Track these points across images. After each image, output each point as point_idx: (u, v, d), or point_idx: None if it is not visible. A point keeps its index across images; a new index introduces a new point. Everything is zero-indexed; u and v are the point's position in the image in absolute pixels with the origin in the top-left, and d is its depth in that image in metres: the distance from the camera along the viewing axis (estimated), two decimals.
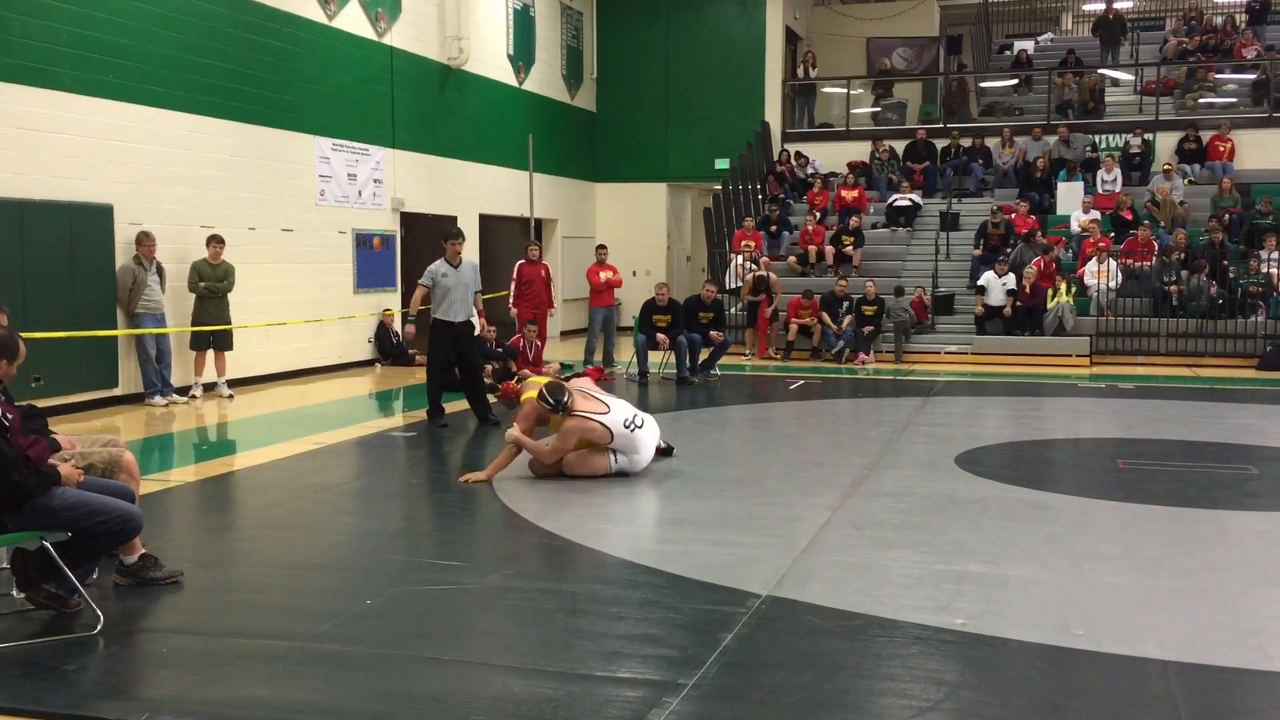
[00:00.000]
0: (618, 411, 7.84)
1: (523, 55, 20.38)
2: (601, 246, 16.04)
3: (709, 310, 14.63)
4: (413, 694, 4.14)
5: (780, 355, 17.18)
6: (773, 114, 22.51)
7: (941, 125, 22.09)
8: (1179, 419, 11.16)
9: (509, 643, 4.82)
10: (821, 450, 9.84)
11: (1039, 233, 18.28)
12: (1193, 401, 12.44)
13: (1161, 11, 28.79)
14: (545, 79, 21.27)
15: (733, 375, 15.07)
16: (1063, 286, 17.02)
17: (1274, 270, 16.66)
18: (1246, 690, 4.27)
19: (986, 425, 11.20)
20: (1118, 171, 19.63)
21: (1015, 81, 23.61)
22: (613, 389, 13.50)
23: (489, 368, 13.48)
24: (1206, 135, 20.06)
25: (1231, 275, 16.78)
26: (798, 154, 22.01)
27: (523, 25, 20.34)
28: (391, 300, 16.64)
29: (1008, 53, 25.52)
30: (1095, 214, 18.61)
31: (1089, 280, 17.26)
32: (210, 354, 12.61)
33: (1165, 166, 19.36)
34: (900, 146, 21.53)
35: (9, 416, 4.72)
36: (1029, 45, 25.25)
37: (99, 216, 11.58)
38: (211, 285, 12.46)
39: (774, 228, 19.94)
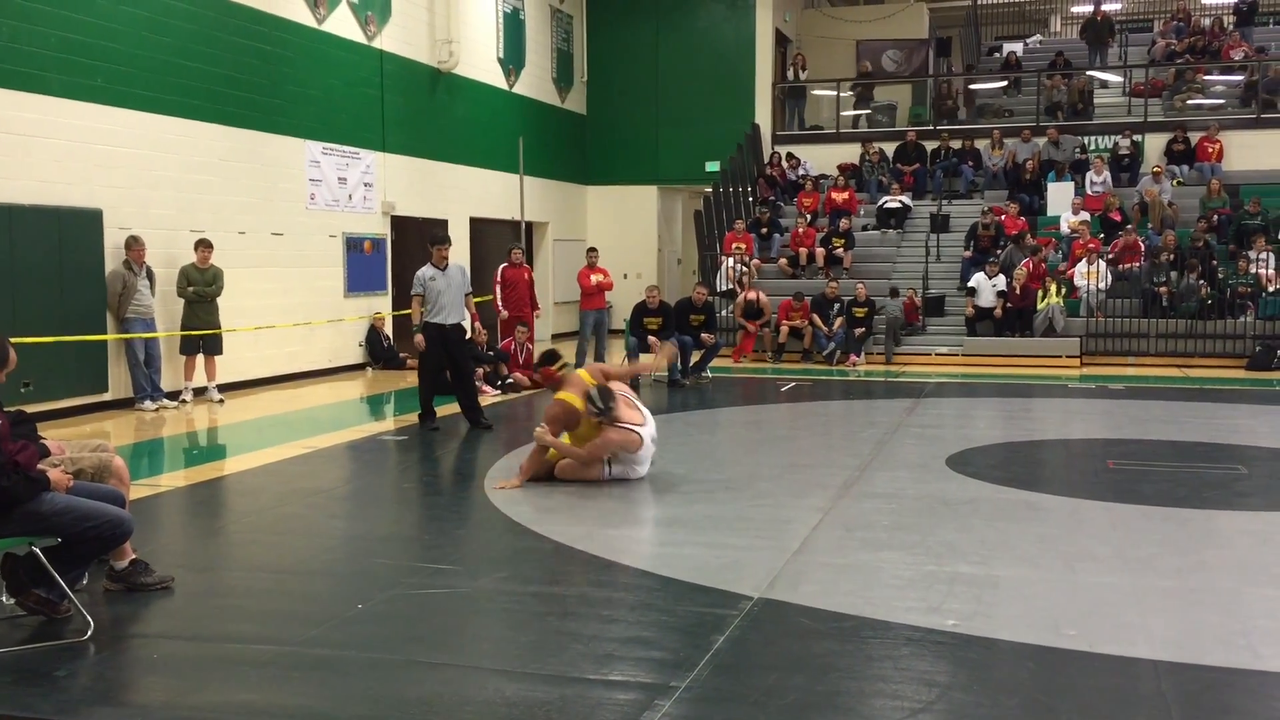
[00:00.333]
0: (650, 424, 7.84)
1: (513, 58, 20.38)
2: (592, 249, 16.05)
3: (700, 313, 14.64)
4: (404, 698, 4.13)
5: (771, 357, 17.19)
6: (763, 116, 22.53)
7: (931, 127, 22.14)
8: (1169, 419, 11.20)
9: (501, 646, 4.81)
10: (813, 452, 9.85)
11: (1028, 234, 18.33)
12: (1182, 402, 12.48)
13: (1149, 13, 28.91)
14: (535, 82, 21.27)
15: (724, 378, 15.08)
16: (1053, 288, 17.07)
17: (1263, 271, 16.73)
18: (1237, 690, 4.28)
19: (977, 426, 11.22)
20: (1107, 173, 19.69)
21: (1005, 83, 23.68)
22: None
23: (480, 371, 13.49)
24: (1195, 136, 20.14)
25: (1220, 276, 16.84)
26: (789, 155, 22.04)
27: (513, 28, 20.34)
28: (382, 304, 16.62)
29: (997, 55, 25.60)
30: (1085, 215, 18.66)
31: (1079, 281, 17.31)
32: (200, 358, 12.58)
33: (1154, 169, 19.43)
34: (890, 148, 21.58)
35: None
36: (1018, 47, 25.33)
37: (88, 221, 11.55)
38: (200, 290, 12.43)
39: (765, 230, 19.96)
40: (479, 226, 19.34)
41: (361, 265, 16.22)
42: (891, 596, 5.30)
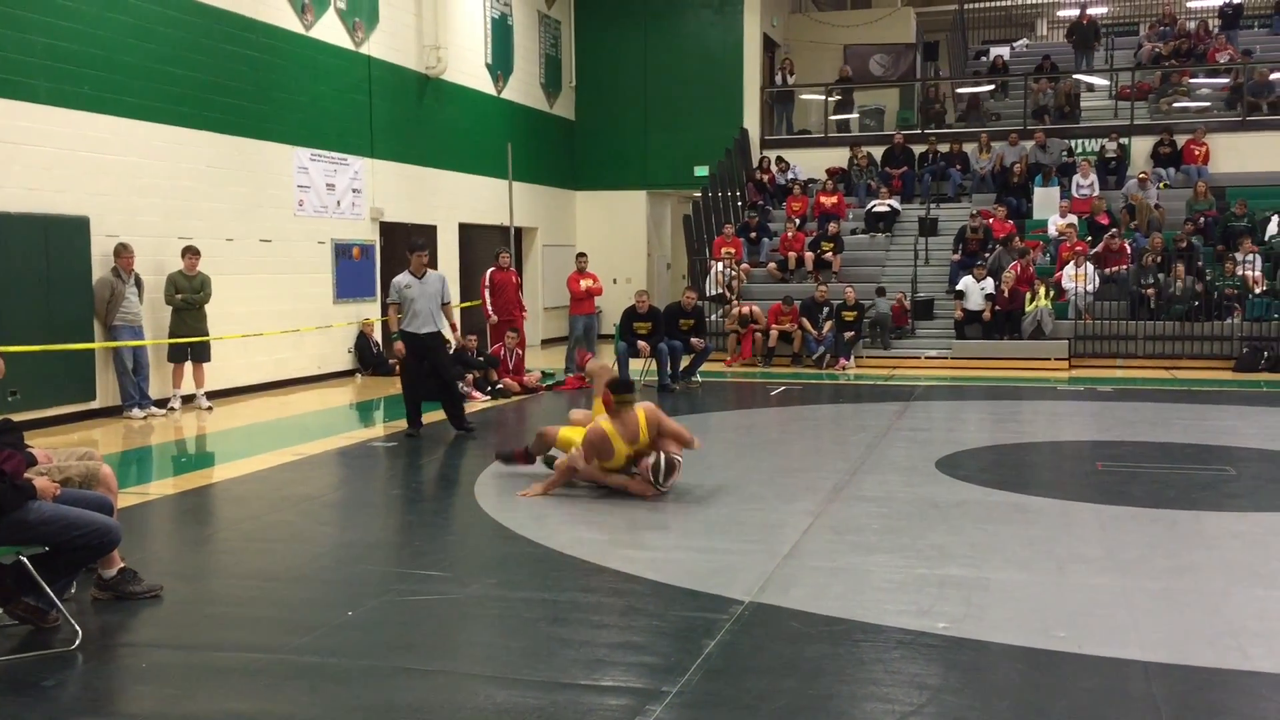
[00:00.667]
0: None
1: (501, 64, 20.38)
2: (581, 254, 16.06)
3: (689, 317, 14.65)
4: (395, 705, 4.12)
5: (761, 362, 17.21)
6: (751, 121, 22.57)
7: (919, 131, 22.20)
8: (1157, 421, 11.23)
9: (492, 652, 4.80)
10: (803, 456, 9.86)
11: (1015, 237, 18.39)
12: (1170, 403, 12.52)
13: (1135, 17, 29.05)
14: (524, 87, 21.27)
15: (714, 382, 15.08)
16: (1041, 290, 17.12)
17: (1249, 273, 16.80)
18: (1227, 690, 4.29)
19: (967, 429, 11.24)
20: (1094, 176, 19.77)
21: (992, 87, 23.76)
22: (593, 397, 13.50)
23: (470, 376, 13.48)
24: (1181, 139, 20.22)
25: (1208, 278, 16.91)
26: (779, 159, 22.06)
27: (501, 34, 20.34)
28: (371, 310, 16.60)
29: (984, 59, 25.68)
30: (1072, 218, 18.73)
31: (1066, 284, 17.37)
32: (188, 366, 12.54)
33: (1140, 175, 19.50)
34: (879, 152, 21.64)
35: None
36: (1005, 51, 25.42)
37: (75, 228, 11.51)
38: (188, 297, 12.40)
39: (754, 234, 19.99)
40: (468, 232, 19.33)
41: (350, 271, 16.19)
42: (882, 600, 5.30)
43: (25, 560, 4.72)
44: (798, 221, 19.95)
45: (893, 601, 5.27)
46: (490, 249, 19.80)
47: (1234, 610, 5.18)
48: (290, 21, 14.81)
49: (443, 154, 18.53)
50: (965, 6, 27.60)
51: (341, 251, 16.00)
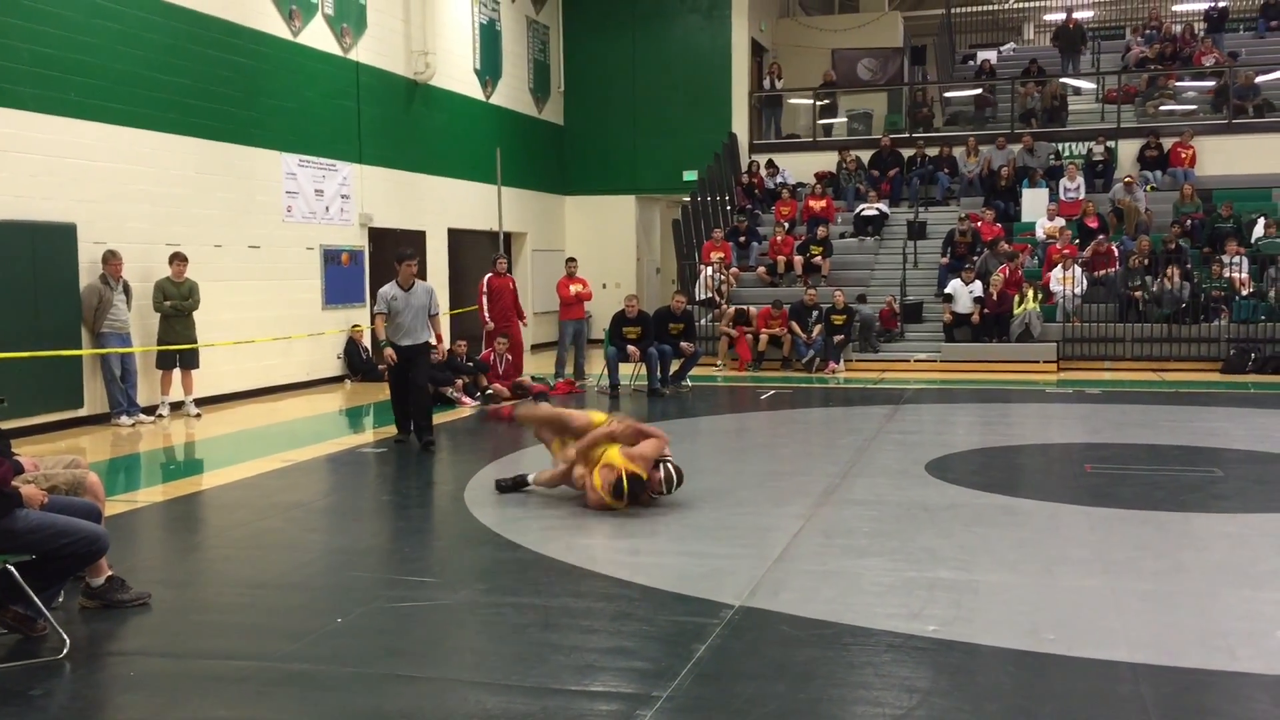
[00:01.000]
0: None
1: (489, 69, 20.38)
2: (571, 259, 16.05)
3: (679, 321, 14.66)
4: (385, 712, 4.11)
5: (750, 366, 17.22)
6: (740, 125, 22.61)
7: (907, 135, 22.26)
8: (1145, 423, 11.27)
9: (482, 659, 4.79)
10: (793, 459, 9.86)
11: (1002, 241, 18.44)
12: (1158, 405, 12.57)
13: (1121, 21, 29.18)
14: (512, 93, 21.27)
15: (704, 386, 15.09)
16: (1029, 293, 17.17)
17: (1236, 275, 16.88)
18: (1215, 691, 4.31)
19: (956, 432, 11.27)
20: (1080, 179, 19.84)
21: (979, 91, 23.84)
22: (584, 402, 13.51)
23: (459, 381, 13.46)
24: (1168, 142, 20.31)
25: (1195, 280, 16.98)
26: (769, 162, 22.09)
27: (489, 39, 20.34)
28: (360, 316, 16.56)
29: (971, 63, 25.77)
30: (1060, 221, 18.79)
31: (1055, 287, 17.42)
32: (177, 373, 12.50)
33: (1125, 179, 19.57)
34: (867, 156, 21.69)
35: None
36: (992, 55, 25.50)
37: (62, 236, 11.47)
38: (176, 304, 12.36)
39: (743, 239, 20.02)
40: (457, 238, 19.31)
41: (339, 277, 16.17)
42: (872, 603, 5.31)
43: (12, 569, 4.69)
44: (786, 225, 19.98)
45: (883, 605, 5.28)
46: (480, 254, 19.84)
47: (1222, 611, 5.19)
48: (278, 27, 14.79)
49: (431, 159, 18.52)
50: (952, 11, 27.69)
51: (330, 257, 15.97)
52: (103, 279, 11.68)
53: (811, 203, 20.49)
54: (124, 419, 11.80)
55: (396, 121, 17.62)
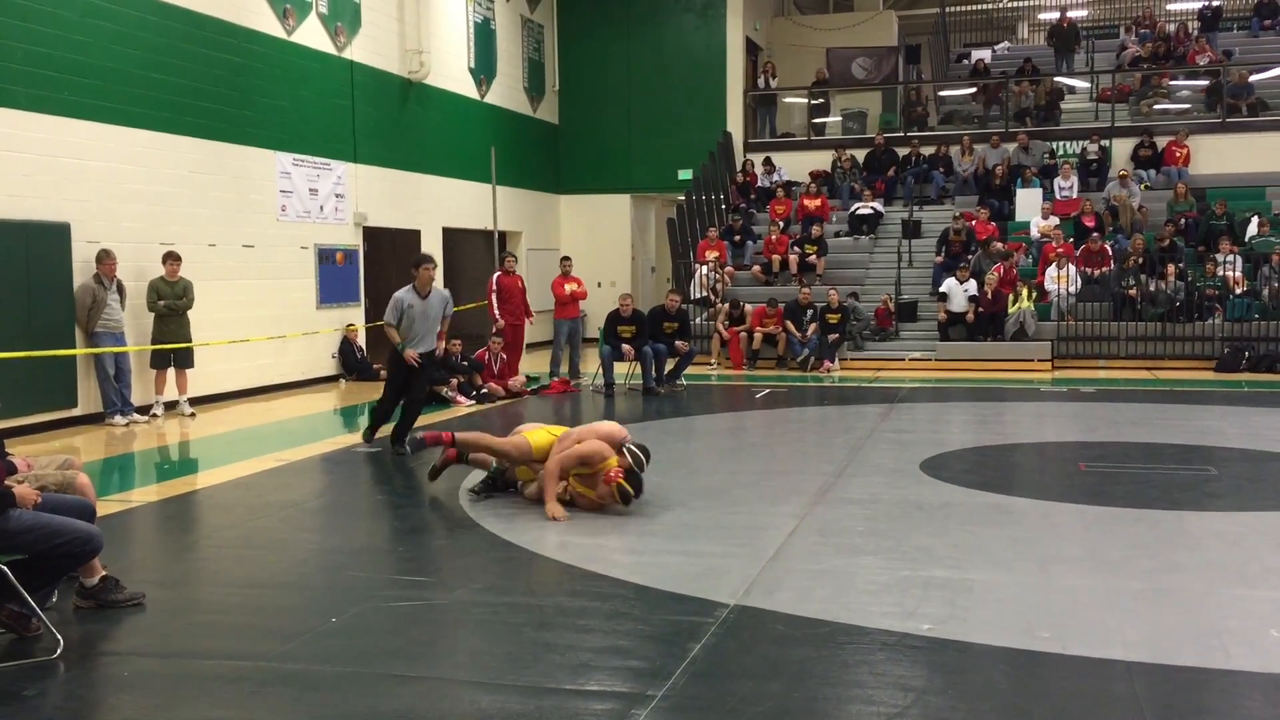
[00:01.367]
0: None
1: (484, 68, 20.36)
2: (566, 258, 16.04)
3: (673, 320, 14.66)
4: (380, 712, 4.11)
5: (745, 364, 17.23)
6: (734, 124, 22.61)
7: (902, 134, 22.28)
8: (1139, 421, 11.29)
9: (477, 658, 4.79)
10: (788, 458, 9.87)
11: (995, 240, 18.45)
12: (1153, 404, 12.59)
13: (1115, 20, 29.22)
14: (507, 92, 21.26)
15: (698, 385, 15.09)
16: (1024, 292, 17.19)
17: (1230, 273, 16.91)
18: (1210, 690, 4.32)
19: (951, 431, 11.28)
20: (1075, 178, 19.87)
21: (973, 90, 23.86)
22: (579, 401, 13.51)
23: (454, 380, 13.45)
24: (1162, 141, 20.35)
25: (1189, 278, 17.01)
26: (766, 160, 22.09)
27: (484, 38, 20.32)
28: (355, 315, 16.55)
29: (965, 62, 25.79)
30: (1055, 220, 18.81)
31: (1049, 286, 17.44)
32: (171, 372, 12.48)
33: (1120, 173, 19.62)
34: (862, 155, 21.70)
35: None
36: (986, 54, 25.53)
37: (56, 235, 11.44)
38: (170, 303, 12.34)
39: (738, 237, 20.02)
40: (452, 237, 19.30)
41: (334, 277, 16.15)
42: (867, 602, 5.32)
43: (5, 569, 4.68)
44: (781, 224, 19.99)
45: (877, 603, 5.28)
46: (475, 253, 19.85)
47: (1216, 610, 5.20)
48: (272, 26, 14.77)
49: (426, 158, 18.50)
50: (946, 10, 27.72)
51: (325, 257, 15.95)
52: (96, 279, 11.66)
53: (806, 201, 20.50)
54: (118, 419, 11.78)
55: (391, 120, 17.60)
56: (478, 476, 8.06)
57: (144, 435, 11.33)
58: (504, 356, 14.27)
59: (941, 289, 17.63)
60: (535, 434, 7.63)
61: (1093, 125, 21.35)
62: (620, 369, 14.42)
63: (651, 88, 22.67)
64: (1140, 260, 17.28)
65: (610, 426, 7.58)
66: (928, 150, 21.43)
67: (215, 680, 4.46)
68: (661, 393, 13.96)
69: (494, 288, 14.76)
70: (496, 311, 14.63)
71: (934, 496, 7.69)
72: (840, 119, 23.54)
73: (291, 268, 15.22)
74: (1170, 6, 28.56)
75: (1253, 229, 17.86)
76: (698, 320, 17.75)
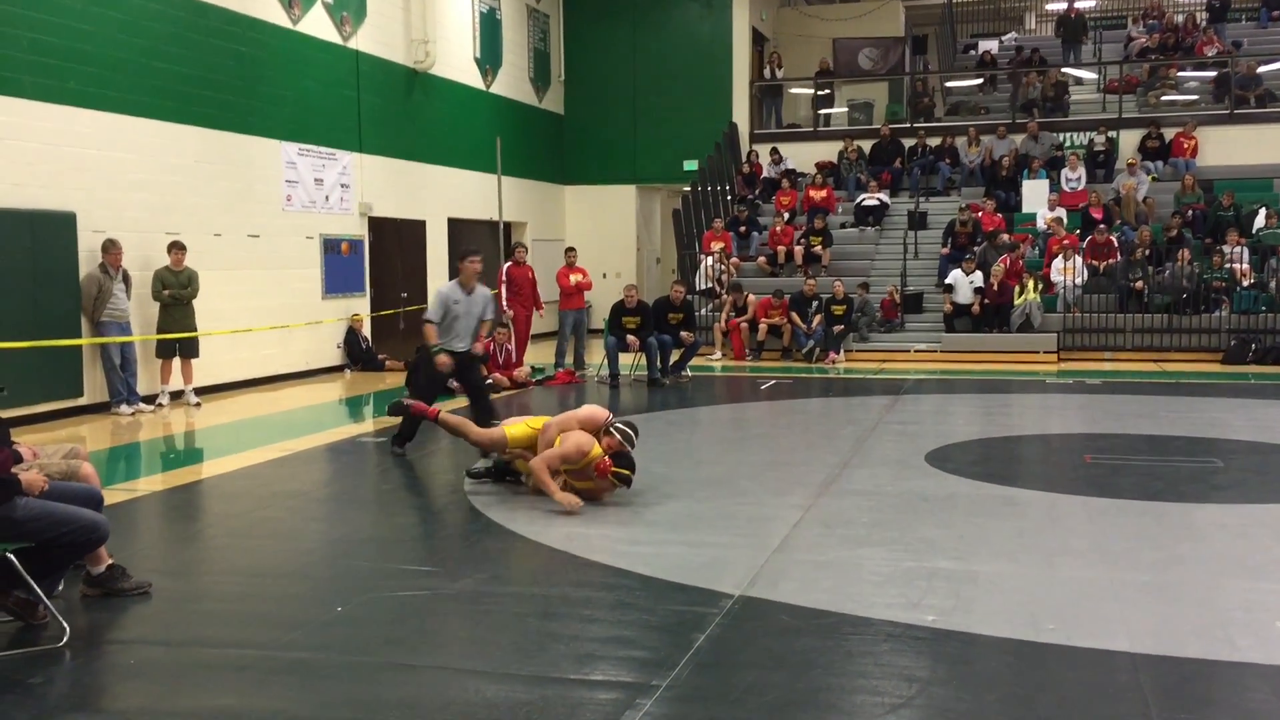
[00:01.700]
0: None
1: (489, 58, 20.33)
2: (571, 249, 16.04)
3: (678, 311, 14.64)
4: (385, 701, 4.11)
5: (747, 355, 17.22)
6: (740, 115, 22.57)
7: (908, 125, 22.22)
8: (1145, 414, 11.27)
9: (481, 647, 4.79)
10: (793, 450, 9.86)
11: (1001, 232, 18.41)
12: (1159, 396, 12.57)
13: (1123, 11, 29.09)
14: (512, 82, 21.23)
15: (703, 376, 15.09)
16: (1030, 284, 17.15)
17: (1237, 265, 16.86)
18: (1215, 681, 4.31)
19: (956, 422, 11.25)
20: (1082, 169, 19.81)
21: (980, 81, 23.79)
22: (584, 392, 13.51)
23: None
24: (1169, 132, 20.27)
25: (1195, 270, 16.95)
26: (772, 151, 22.04)
27: (489, 28, 20.29)
28: (360, 305, 16.56)
29: (972, 52, 25.71)
30: (1061, 211, 18.76)
31: (1055, 277, 17.40)
32: (176, 362, 12.50)
33: (1129, 162, 19.57)
34: (868, 146, 21.65)
35: None
36: (993, 45, 25.44)
37: (62, 224, 11.45)
38: (175, 292, 12.35)
39: (743, 228, 19.99)
40: (457, 227, 19.29)
41: (339, 267, 16.15)
42: (871, 593, 5.31)
43: (12, 557, 4.70)
44: (786, 215, 19.96)
45: (882, 594, 5.28)
46: (479, 244, 19.76)
47: (1222, 601, 5.19)
48: (277, 16, 14.75)
49: (431, 149, 18.49)
50: (954, 0, 27.61)
51: (330, 247, 15.96)
52: (102, 268, 11.67)
53: (812, 192, 20.46)
54: (124, 408, 11.80)
55: (396, 110, 17.59)
56: (482, 468, 8.07)
57: (150, 425, 11.35)
58: (509, 347, 14.27)
59: (947, 280, 17.59)
60: (514, 427, 7.64)
61: (1100, 116, 21.28)
62: (625, 360, 14.42)
63: (657, 78, 22.63)
64: (1147, 252, 17.23)
65: (589, 411, 7.51)
66: (934, 141, 21.36)
67: (221, 668, 4.47)
68: (666, 384, 13.96)
69: (504, 278, 14.76)
70: (505, 302, 14.63)
71: (939, 488, 7.69)
72: (846, 110, 23.47)
73: (297, 258, 15.22)
74: None
75: (1260, 221, 17.79)
76: (703, 311, 17.73)
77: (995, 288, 17.04)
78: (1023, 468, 9.14)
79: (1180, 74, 22.09)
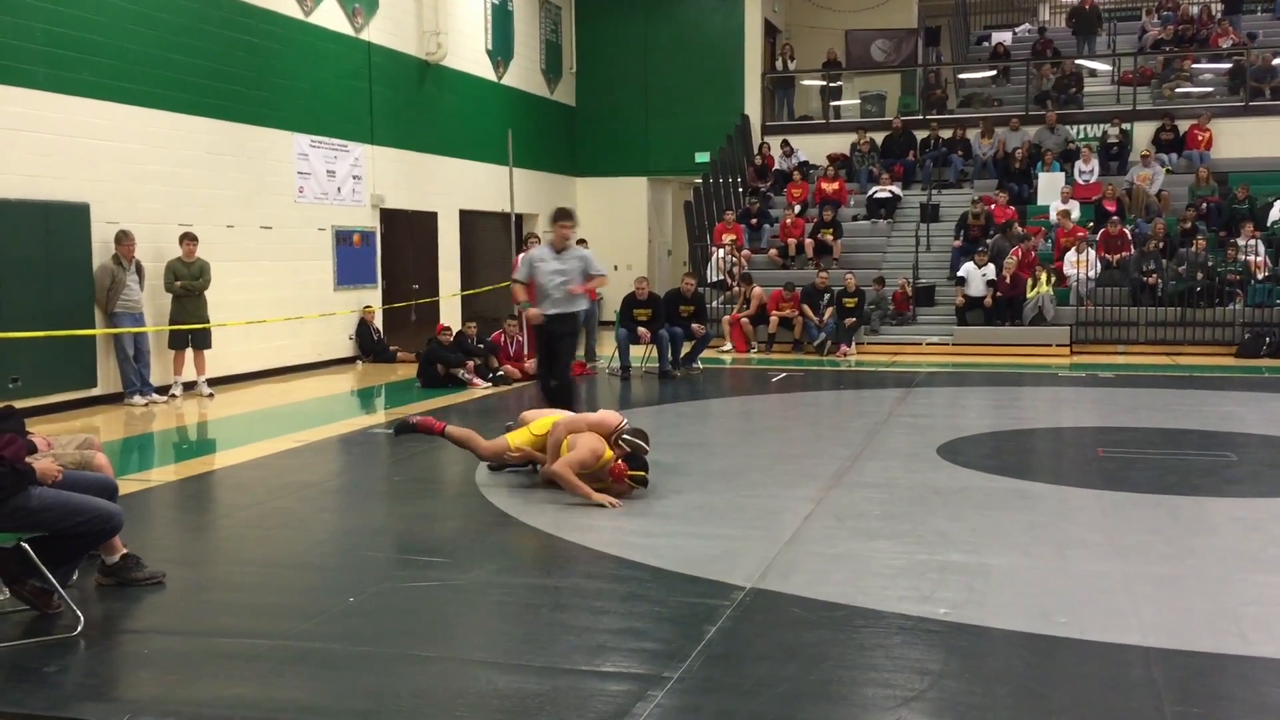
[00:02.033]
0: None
1: (501, 50, 20.32)
2: (582, 241, 15.99)
3: (689, 303, 14.64)
4: (397, 691, 4.13)
5: (749, 348, 17.21)
6: (752, 107, 22.52)
7: (921, 117, 22.15)
8: (1158, 407, 11.23)
9: (493, 638, 4.81)
10: (804, 442, 9.86)
11: (1014, 223, 18.36)
12: (1172, 389, 12.52)
13: (1137, 2, 28.91)
14: (524, 73, 21.22)
15: (714, 368, 15.08)
16: (1042, 277, 17.10)
17: (1251, 258, 16.77)
18: (1227, 675, 4.30)
19: (968, 415, 11.24)
20: (1095, 162, 19.72)
21: (993, 73, 23.69)
22: (595, 384, 13.52)
23: (469, 364, 13.47)
24: (1183, 125, 20.17)
25: (1210, 263, 16.88)
26: (784, 143, 22.00)
27: (501, 20, 20.28)
28: (372, 297, 16.59)
29: (985, 44, 25.60)
30: (1074, 204, 18.69)
31: (1068, 270, 17.34)
32: (189, 353, 12.54)
33: (1143, 153, 19.47)
34: (880, 138, 21.59)
35: None
36: (1006, 37, 25.33)
37: (75, 215, 11.50)
38: (187, 284, 12.39)
39: (754, 221, 19.96)
40: (469, 219, 19.31)
41: (351, 258, 16.18)
42: (883, 585, 5.31)
43: (26, 546, 4.72)
44: (797, 208, 19.92)
45: (894, 587, 5.27)
46: (491, 235, 19.84)
47: (1234, 595, 5.18)
48: (290, 7, 14.76)
49: (443, 140, 18.49)
50: None
51: (342, 238, 15.98)
52: (115, 259, 11.71)
53: (824, 185, 20.41)
54: (137, 399, 11.84)
55: (408, 102, 17.59)
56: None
57: (163, 415, 11.40)
58: (520, 339, 14.27)
59: (960, 273, 17.56)
60: (516, 435, 7.64)
61: (1114, 108, 21.17)
62: (636, 352, 14.42)
63: (669, 70, 22.59)
64: (1161, 245, 17.15)
65: (600, 416, 7.43)
66: (946, 133, 21.29)
67: (234, 658, 4.49)
68: (677, 376, 13.95)
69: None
70: (524, 293, 14.59)
71: (951, 481, 7.67)
72: (859, 102, 23.40)
73: (309, 249, 15.25)
74: None
75: (1275, 213, 17.70)
76: (714, 304, 17.72)
77: (1008, 280, 16.99)
78: (1035, 461, 9.11)
79: (1195, 66, 21.96)
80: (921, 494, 7.27)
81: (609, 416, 7.40)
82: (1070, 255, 17.35)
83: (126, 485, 7.07)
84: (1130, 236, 17.61)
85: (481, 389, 13.10)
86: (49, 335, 10.96)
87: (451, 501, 7.61)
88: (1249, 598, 5.14)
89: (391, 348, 16.28)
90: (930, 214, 19.47)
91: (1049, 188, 19.48)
